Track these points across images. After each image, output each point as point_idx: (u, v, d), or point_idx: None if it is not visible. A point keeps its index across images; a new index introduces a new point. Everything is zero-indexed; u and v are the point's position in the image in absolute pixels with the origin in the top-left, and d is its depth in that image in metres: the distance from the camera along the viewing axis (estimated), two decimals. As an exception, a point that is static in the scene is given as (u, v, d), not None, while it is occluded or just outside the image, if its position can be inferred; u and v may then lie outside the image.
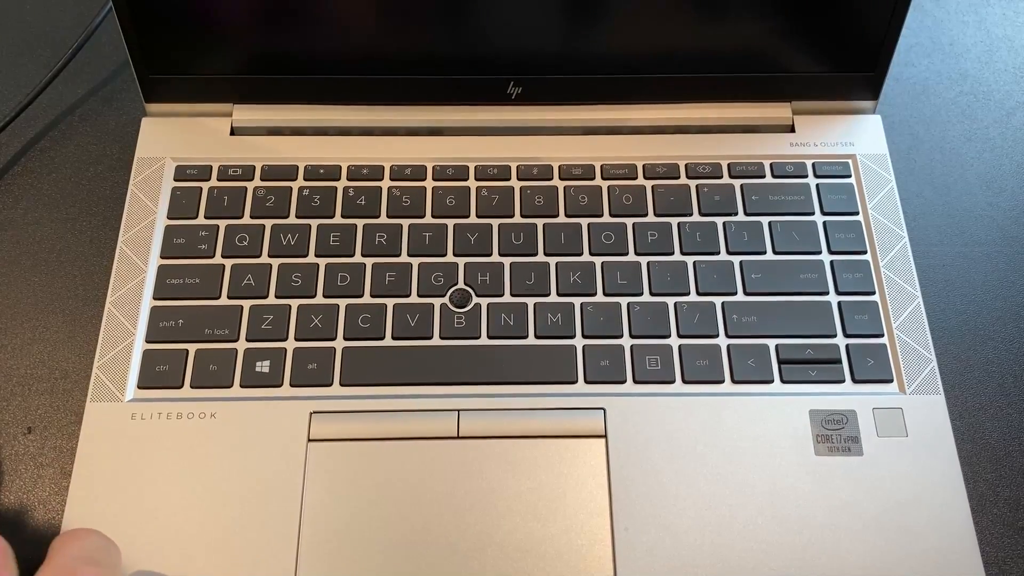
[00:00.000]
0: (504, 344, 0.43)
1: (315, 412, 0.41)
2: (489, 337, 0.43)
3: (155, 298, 0.44)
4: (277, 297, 0.44)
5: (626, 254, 0.45)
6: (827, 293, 0.44)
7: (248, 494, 0.39)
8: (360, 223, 0.46)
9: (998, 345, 0.46)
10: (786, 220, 0.46)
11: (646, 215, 0.46)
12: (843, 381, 0.42)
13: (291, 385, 0.42)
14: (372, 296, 0.44)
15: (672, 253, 0.45)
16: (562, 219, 0.46)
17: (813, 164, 0.48)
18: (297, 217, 0.46)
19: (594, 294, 0.44)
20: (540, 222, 0.46)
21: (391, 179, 0.47)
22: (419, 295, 0.44)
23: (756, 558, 0.38)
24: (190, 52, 0.46)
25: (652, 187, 0.47)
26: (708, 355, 0.42)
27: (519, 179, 0.47)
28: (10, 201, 0.50)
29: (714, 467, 0.40)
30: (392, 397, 0.41)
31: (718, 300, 0.44)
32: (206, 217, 0.46)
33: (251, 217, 0.46)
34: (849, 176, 0.47)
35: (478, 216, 0.46)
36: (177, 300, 0.44)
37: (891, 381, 0.42)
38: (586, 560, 0.38)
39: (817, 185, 0.47)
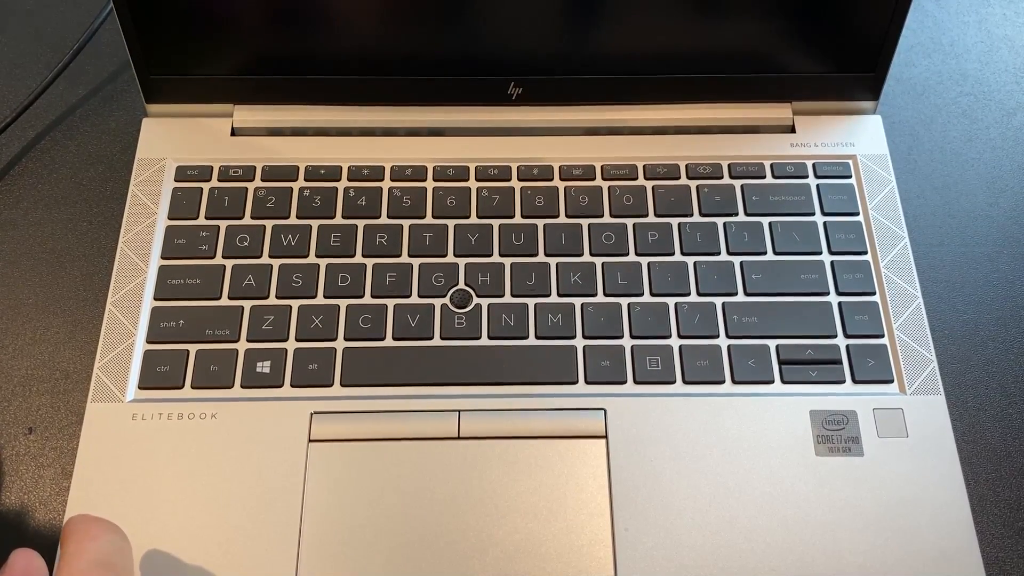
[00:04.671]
0: (505, 344, 0.43)
1: (316, 412, 0.41)
2: (490, 337, 0.43)
3: (156, 298, 0.44)
4: (278, 298, 0.44)
5: (626, 254, 0.45)
6: (827, 293, 0.44)
7: (249, 495, 0.39)
8: (361, 224, 0.46)
9: (998, 345, 0.46)
10: (787, 220, 0.46)
11: (646, 215, 0.46)
12: (843, 382, 0.42)
13: (292, 385, 0.42)
14: (373, 297, 0.44)
15: (672, 253, 0.45)
16: (563, 219, 0.46)
17: (813, 164, 0.48)
18: (298, 218, 0.46)
19: (594, 294, 0.44)
20: (540, 222, 0.46)
21: (392, 180, 0.47)
22: (420, 296, 0.44)
23: (756, 558, 0.38)
24: (191, 53, 0.46)
25: (652, 187, 0.47)
26: (708, 355, 0.42)
27: (519, 180, 0.47)
28: (10, 201, 0.50)
29: (714, 467, 0.40)
30: (393, 397, 0.41)
31: (718, 300, 0.44)
32: (207, 218, 0.46)
33: (252, 218, 0.46)
34: (849, 176, 0.47)
35: (479, 217, 0.46)
36: (178, 300, 0.44)
37: (891, 381, 0.42)
38: (586, 560, 0.38)
39: (817, 185, 0.47)
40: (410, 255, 0.45)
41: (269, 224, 0.46)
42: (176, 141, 0.48)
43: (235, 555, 0.38)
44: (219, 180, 0.47)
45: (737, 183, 0.47)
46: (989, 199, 0.51)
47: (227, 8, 0.44)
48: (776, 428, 0.41)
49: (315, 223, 0.46)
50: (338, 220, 0.46)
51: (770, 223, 0.46)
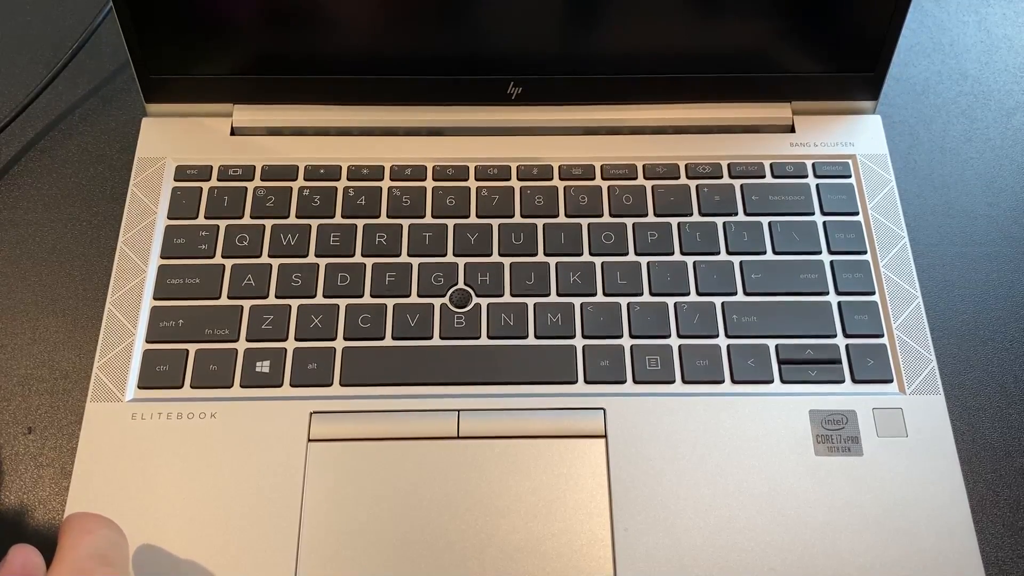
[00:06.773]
0: (504, 344, 0.43)
1: (315, 412, 0.41)
2: (489, 337, 0.43)
3: (155, 298, 0.44)
4: (277, 297, 0.44)
5: (626, 254, 0.45)
6: (827, 293, 0.44)
7: (248, 494, 0.39)
8: (360, 223, 0.46)
9: (998, 345, 0.46)
10: (786, 220, 0.46)
11: (646, 215, 0.46)
12: (843, 381, 0.42)
13: (291, 385, 0.42)
14: (372, 296, 0.44)
15: (672, 253, 0.45)
16: (562, 219, 0.46)
17: (813, 164, 0.48)
18: (297, 217, 0.46)
19: (594, 294, 0.44)
20: (540, 222, 0.46)
21: (391, 179, 0.47)
22: (419, 295, 0.44)
23: (756, 558, 0.38)
24: (190, 52, 0.46)
25: (652, 187, 0.47)
26: (708, 355, 0.42)
27: (519, 179, 0.47)
28: (10, 201, 0.50)
29: (714, 467, 0.40)
30: (392, 397, 0.41)
31: (718, 300, 0.44)
32: (206, 217, 0.46)
33: (251, 217, 0.46)
34: (849, 176, 0.47)
35: (478, 216, 0.46)
36: (177, 300, 0.44)
37: (891, 381, 0.42)
38: (586, 560, 0.38)
39: (817, 185, 0.47)
40: (409, 255, 0.45)
41: (268, 224, 0.46)
42: (175, 141, 0.48)
43: (234, 554, 0.38)
44: (218, 180, 0.47)
45: (737, 183, 0.47)
46: (988, 199, 0.50)
47: (226, 8, 0.44)
48: (776, 428, 0.41)
49: (314, 223, 0.46)
50: (338, 220, 0.46)
51: (770, 223, 0.46)
